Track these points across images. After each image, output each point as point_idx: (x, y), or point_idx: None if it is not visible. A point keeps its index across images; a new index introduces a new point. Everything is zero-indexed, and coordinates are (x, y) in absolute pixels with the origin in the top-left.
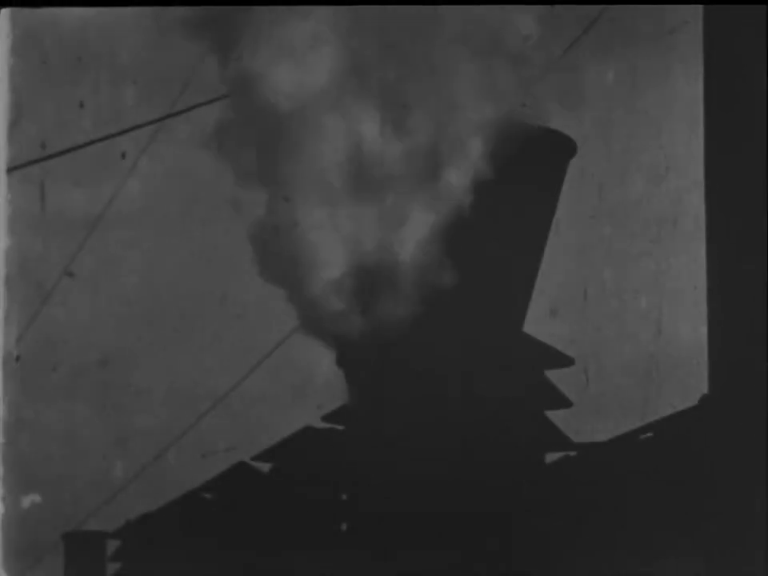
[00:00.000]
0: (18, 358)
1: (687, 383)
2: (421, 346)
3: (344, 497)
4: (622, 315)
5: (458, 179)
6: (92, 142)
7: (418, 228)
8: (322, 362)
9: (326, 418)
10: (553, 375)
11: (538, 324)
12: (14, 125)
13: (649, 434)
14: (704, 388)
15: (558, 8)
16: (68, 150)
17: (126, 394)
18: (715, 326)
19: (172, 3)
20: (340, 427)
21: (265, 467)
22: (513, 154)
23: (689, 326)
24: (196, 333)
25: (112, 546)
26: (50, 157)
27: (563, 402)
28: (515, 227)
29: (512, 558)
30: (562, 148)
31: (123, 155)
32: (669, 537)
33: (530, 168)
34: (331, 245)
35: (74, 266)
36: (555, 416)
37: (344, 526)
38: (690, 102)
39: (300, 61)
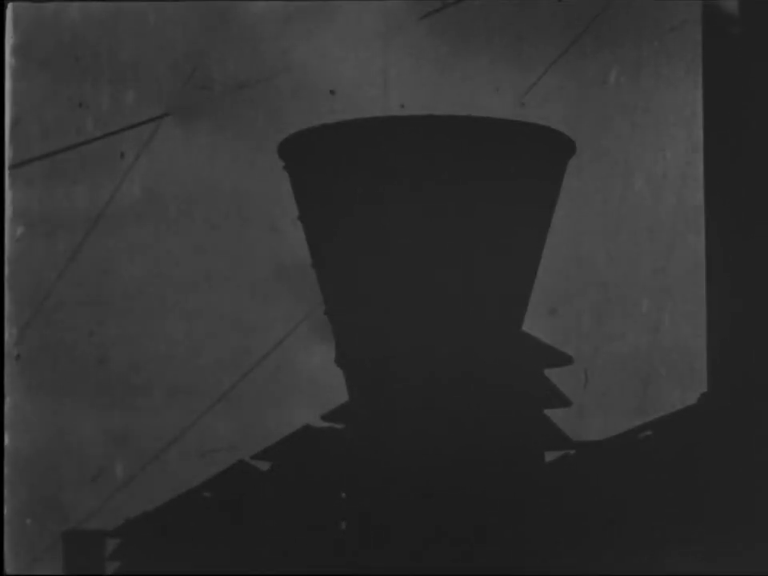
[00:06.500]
0: (17, 357)
1: (687, 381)
2: (420, 344)
3: (343, 495)
4: (621, 314)
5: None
6: (93, 140)
7: None
8: (322, 360)
9: (325, 417)
10: (552, 374)
11: (537, 322)
12: (15, 123)
13: (648, 433)
14: (703, 386)
15: (560, 5)
16: (68, 148)
17: (126, 393)
18: (715, 324)
19: None
20: (340, 426)
21: (264, 466)
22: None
23: (688, 323)
24: (196, 332)
25: (111, 544)
26: (51, 155)
27: (562, 401)
28: (514, 226)
29: (512, 556)
30: (561, 147)
31: (122, 154)
32: (668, 535)
33: (529, 167)
34: None
35: (74, 266)
36: (554, 414)
37: (343, 525)
38: (689, 101)
39: None
